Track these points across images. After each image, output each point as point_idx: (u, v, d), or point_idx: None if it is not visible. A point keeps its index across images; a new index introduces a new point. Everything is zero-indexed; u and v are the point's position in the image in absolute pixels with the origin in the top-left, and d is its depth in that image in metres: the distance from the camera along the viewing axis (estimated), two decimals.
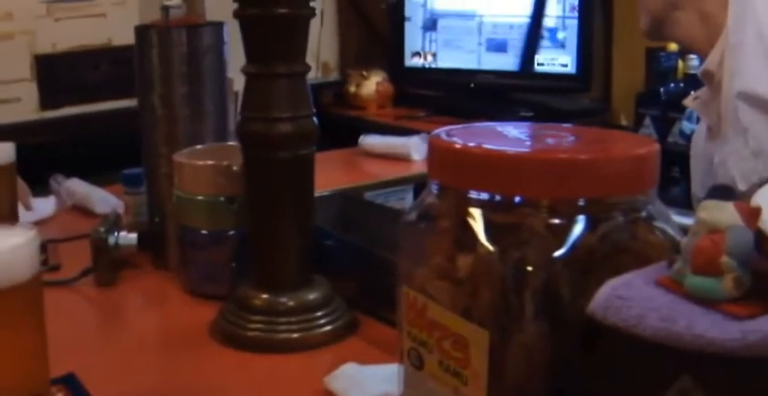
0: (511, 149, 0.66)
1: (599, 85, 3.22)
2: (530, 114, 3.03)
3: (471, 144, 0.67)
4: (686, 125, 2.70)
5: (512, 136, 0.72)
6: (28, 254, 0.89)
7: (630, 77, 3.10)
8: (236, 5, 1.07)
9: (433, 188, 0.71)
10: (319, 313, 1.12)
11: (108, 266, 1.36)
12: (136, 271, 1.44)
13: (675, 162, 2.53)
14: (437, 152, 0.70)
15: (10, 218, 1.43)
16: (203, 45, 1.36)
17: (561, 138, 0.73)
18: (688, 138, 2.55)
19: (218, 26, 1.38)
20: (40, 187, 1.88)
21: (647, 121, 2.87)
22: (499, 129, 0.75)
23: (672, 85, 2.84)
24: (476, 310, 0.65)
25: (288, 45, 1.07)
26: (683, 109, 2.68)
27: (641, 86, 3.04)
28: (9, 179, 1.47)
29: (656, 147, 0.68)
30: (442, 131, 0.72)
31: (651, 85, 2.96)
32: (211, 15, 1.44)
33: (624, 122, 3.17)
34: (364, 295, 1.20)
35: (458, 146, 0.67)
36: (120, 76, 3.00)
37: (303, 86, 1.08)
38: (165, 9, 1.40)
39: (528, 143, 0.71)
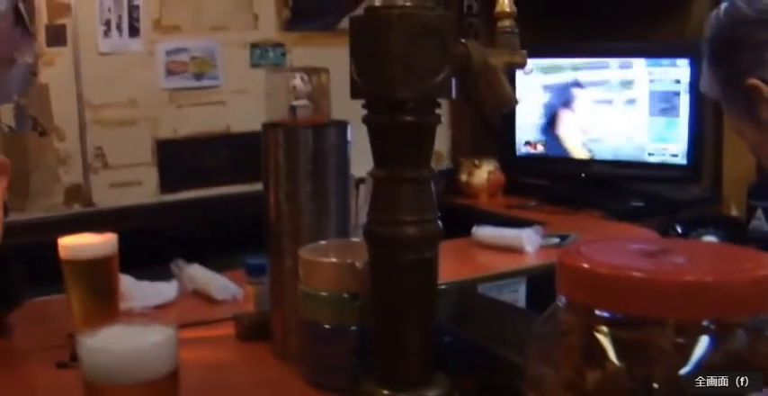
0: (638, 271, 0.69)
1: (709, 174, 3.20)
2: (640, 204, 3.04)
3: (599, 263, 0.70)
4: None
5: (639, 254, 0.75)
6: (167, 351, 0.94)
7: (742, 167, 3.08)
8: (361, 106, 1.11)
9: (561, 301, 0.74)
10: None
11: None
12: (256, 358, 1.48)
13: None
14: (566, 269, 0.73)
15: (111, 308, 1.49)
16: (328, 144, 1.42)
17: (687, 256, 0.75)
18: None
19: (343, 126, 1.43)
20: (162, 270, 1.94)
21: (759, 212, 2.84)
22: (627, 245, 0.78)
23: None
24: None
25: (415, 151, 1.10)
26: None
27: (753, 176, 3.02)
28: (110, 270, 1.52)
29: None
30: (571, 248, 0.75)
31: (763, 175, 2.93)
32: (335, 107, 1.49)
33: (735, 213, 3.15)
34: (483, 392, 1.21)
35: (586, 265, 0.70)
36: (238, 161, 3.09)
37: (429, 190, 1.12)
38: (293, 108, 1.45)
39: (656, 262, 0.73)
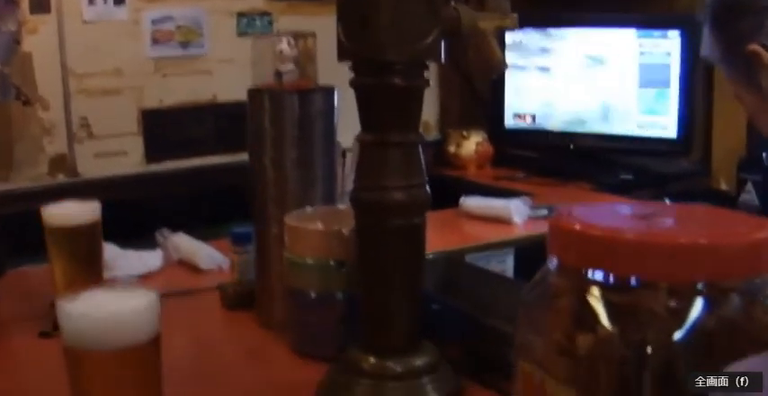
0: (631, 233, 0.67)
1: (699, 148, 3.19)
2: (629, 177, 3.03)
3: (592, 226, 0.68)
4: None
5: (631, 217, 0.73)
6: (149, 316, 0.92)
7: (731, 141, 3.08)
8: (347, 71, 1.10)
9: (552, 265, 0.72)
10: (426, 379, 1.12)
11: None
12: (242, 327, 1.47)
13: None
14: (559, 231, 0.71)
15: (94, 277, 1.47)
16: (315, 110, 1.40)
17: (680, 219, 0.74)
18: None
19: (330, 91, 1.41)
20: (146, 240, 1.92)
21: (749, 186, 2.84)
22: (619, 209, 0.76)
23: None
24: (594, 389, 0.66)
25: (402, 114, 1.09)
26: None
27: (743, 151, 3.01)
28: (93, 238, 1.50)
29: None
30: (563, 210, 0.73)
31: (753, 149, 2.93)
32: (322, 79, 1.47)
33: (724, 187, 3.14)
34: (470, 361, 1.20)
35: (579, 227, 0.69)
36: (224, 131, 3.07)
37: (417, 155, 1.10)
38: (279, 74, 1.43)
39: (649, 225, 0.71)
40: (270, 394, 1.26)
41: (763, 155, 2.81)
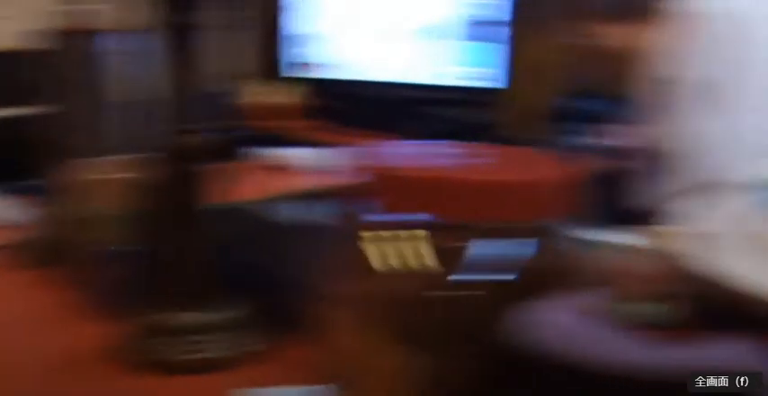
0: (431, 170, 0.65)
1: (502, 100, 3.24)
2: (442, 128, 3.04)
3: (395, 166, 0.66)
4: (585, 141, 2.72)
5: (433, 155, 0.71)
6: None
7: (543, 92, 3.13)
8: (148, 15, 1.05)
9: (354, 208, 0.69)
10: (228, 334, 1.09)
11: None
12: (36, 287, 1.40)
13: None
14: (362, 173, 0.69)
15: None
16: (106, 52, 1.33)
17: (486, 159, 0.72)
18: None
19: (123, 33, 1.35)
20: None
21: (561, 136, 2.88)
22: (414, 148, 0.74)
23: (575, 101, 2.86)
24: (407, 333, 0.64)
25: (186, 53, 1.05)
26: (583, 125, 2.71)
27: (555, 101, 3.06)
28: None
29: (581, 171, 0.67)
30: (356, 150, 0.71)
31: (565, 100, 2.98)
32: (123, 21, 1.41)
33: (536, 136, 3.19)
34: (272, 315, 1.17)
35: (383, 169, 0.66)
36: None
37: (215, 100, 1.07)
38: (71, 16, 1.37)
39: (451, 163, 0.69)
40: (68, 355, 1.19)
41: (575, 105, 2.86)
